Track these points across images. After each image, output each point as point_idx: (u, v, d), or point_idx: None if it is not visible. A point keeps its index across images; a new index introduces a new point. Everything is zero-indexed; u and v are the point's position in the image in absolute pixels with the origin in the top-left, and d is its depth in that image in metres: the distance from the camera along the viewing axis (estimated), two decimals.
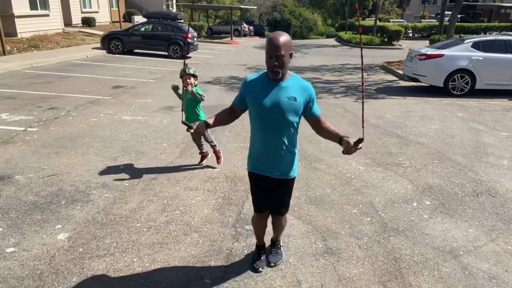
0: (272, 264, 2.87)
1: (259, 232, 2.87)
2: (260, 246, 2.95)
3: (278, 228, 2.83)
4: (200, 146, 4.67)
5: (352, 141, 2.27)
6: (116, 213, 3.51)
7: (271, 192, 2.60)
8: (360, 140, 2.24)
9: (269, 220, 2.81)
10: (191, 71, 4.23)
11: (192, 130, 2.52)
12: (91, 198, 3.76)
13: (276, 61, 2.21)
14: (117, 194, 3.87)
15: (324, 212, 3.67)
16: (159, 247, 3.03)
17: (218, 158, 4.74)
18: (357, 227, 3.43)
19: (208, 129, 2.64)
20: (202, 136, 4.54)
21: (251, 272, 2.77)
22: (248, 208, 3.64)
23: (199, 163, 4.73)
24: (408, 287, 2.67)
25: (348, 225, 3.45)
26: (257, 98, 2.35)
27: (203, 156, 4.73)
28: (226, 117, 2.58)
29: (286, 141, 2.41)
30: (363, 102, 2.35)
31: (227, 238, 3.19)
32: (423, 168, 4.82)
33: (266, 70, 2.38)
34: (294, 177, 2.58)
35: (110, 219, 3.40)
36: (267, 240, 3.12)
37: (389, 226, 3.46)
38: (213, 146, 4.67)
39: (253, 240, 3.06)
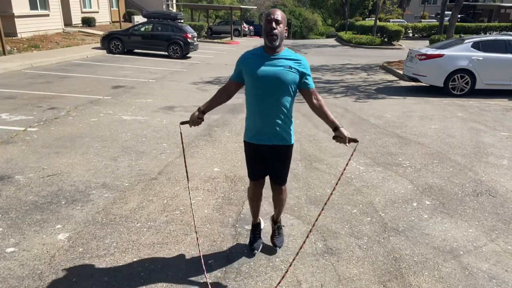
0: (278, 246, 2.96)
1: (254, 205, 2.93)
2: (255, 225, 3.03)
3: (278, 203, 2.89)
4: None
5: (348, 135, 2.44)
6: (116, 213, 3.51)
7: (269, 161, 2.68)
8: (354, 140, 2.44)
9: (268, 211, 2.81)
10: None
11: (190, 124, 2.64)
12: (91, 198, 3.76)
13: (275, 24, 2.37)
14: (117, 194, 3.87)
15: (324, 212, 3.67)
16: (159, 247, 3.03)
17: None
18: (357, 227, 3.43)
19: None
20: None
21: (251, 272, 2.77)
22: (248, 208, 3.64)
23: None
24: (408, 287, 2.67)
25: (348, 225, 3.45)
26: (253, 69, 2.46)
27: None
28: (222, 96, 2.69)
29: (282, 109, 2.51)
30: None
31: (227, 238, 3.19)
32: (423, 168, 4.82)
33: (261, 45, 2.52)
34: (292, 145, 2.67)
35: (110, 219, 3.40)
36: (265, 231, 3.13)
37: (389, 226, 3.46)
38: None
39: None
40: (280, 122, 2.52)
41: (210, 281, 2.66)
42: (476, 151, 5.50)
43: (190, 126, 2.68)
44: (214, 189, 4.08)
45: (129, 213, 3.52)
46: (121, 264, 2.80)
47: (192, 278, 2.69)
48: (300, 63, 2.48)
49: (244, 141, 2.74)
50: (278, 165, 2.69)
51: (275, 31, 2.36)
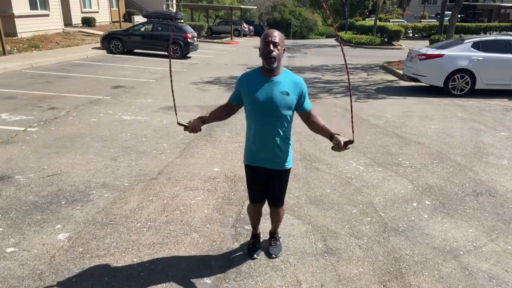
0: (274, 255, 2.95)
1: (254, 221, 2.98)
2: (255, 235, 3.07)
3: (275, 219, 2.94)
4: None
5: (342, 140, 2.40)
6: (116, 213, 3.51)
7: (267, 184, 2.70)
8: (350, 142, 2.40)
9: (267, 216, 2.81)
10: None
11: (189, 130, 2.57)
12: (91, 198, 3.76)
13: (273, 47, 2.32)
14: (117, 194, 3.87)
15: (324, 212, 3.67)
16: (159, 247, 3.03)
17: None
18: (357, 227, 3.43)
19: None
20: None
21: (251, 272, 2.77)
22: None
23: None
24: (408, 287, 2.67)
25: (348, 225, 3.45)
26: (251, 93, 2.44)
27: None
28: (222, 113, 2.69)
29: (280, 133, 2.50)
30: (352, 109, 2.42)
31: (227, 238, 3.19)
32: (423, 168, 4.82)
33: (259, 66, 2.49)
34: (290, 168, 2.68)
35: (110, 219, 3.40)
36: (265, 231, 3.13)
37: (389, 226, 3.46)
38: None
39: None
40: (278, 146, 2.52)
41: (210, 281, 2.66)
42: (476, 151, 5.50)
43: (184, 130, 2.59)
44: (214, 189, 4.08)
45: (129, 213, 3.52)
46: (121, 264, 2.80)
47: (192, 278, 2.69)
48: (298, 86, 2.45)
49: (245, 164, 2.73)
50: (276, 187, 2.71)
51: (273, 53, 2.32)
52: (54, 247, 2.97)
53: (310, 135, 6.01)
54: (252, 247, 3.00)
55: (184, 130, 2.59)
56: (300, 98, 2.47)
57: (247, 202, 3.73)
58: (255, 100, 2.42)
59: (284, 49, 2.41)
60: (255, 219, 2.96)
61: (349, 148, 2.42)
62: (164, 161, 4.79)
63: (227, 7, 34.23)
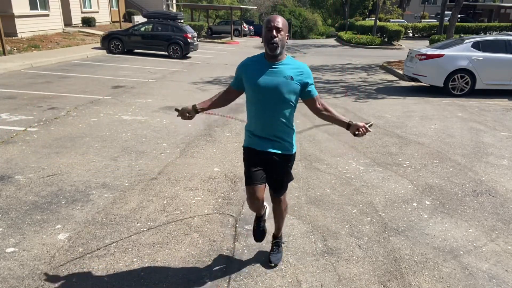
0: (273, 264, 2.85)
1: (256, 207, 2.69)
2: (259, 217, 2.83)
3: (278, 215, 2.80)
4: None
5: (364, 124, 2.47)
6: (116, 213, 3.51)
7: (268, 169, 2.60)
8: (370, 124, 2.52)
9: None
10: None
11: (178, 114, 2.59)
12: (91, 198, 3.76)
13: (276, 32, 2.29)
14: (117, 194, 3.87)
15: (324, 212, 3.67)
16: (159, 247, 3.03)
17: None
18: (357, 227, 3.43)
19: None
20: None
21: (251, 272, 2.77)
22: (248, 208, 3.63)
23: None
24: (408, 287, 2.67)
25: (348, 225, 3.45)
26: (253, 78, 2.39)
27: None
28: (221, 100, 2.67)
29: (283, 119, 2.45)
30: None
31: (227, 238, 3.19)
32: (423, 168, 4.82)
33: (263, 52, 2.46)
34: (294, 154, 2.61)
35: (110, 219, 3.40)
36: (267, 240, 3.13)
37: (389, 226, 3.46)
38: None
39: (253, 241, 3.03)
40: (280, 131, 2.47)
41: (210, 281, 2.66)
42: (476, 151, 5.50)
43: (177, 115, 2.63)
44: (214, 189, 4.08)
45: (129, 213, 3.52)
46: (121, 264, 2.80)
47: (192, 278, 2.69)
48: (302, 72, 2.40)
49: (244, 148, 2.65)
50: (278, 174, 2.61)
51: (276, 39, 2.27)
52: (54, 247, 2.97)
53: (310, 135, 6.01)
54: (257, 229, 2.83)
55: (177, 115, 2.64)
56: (305, 83, 2.41)
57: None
58: (257, 86, 2.37)
59: (288, 35, 2.37)
60: (255, 205, 2.63)
61: (372, 131, 2.48)
62: (164, 161, 4.79)
63: (227, 7, 34.25)
